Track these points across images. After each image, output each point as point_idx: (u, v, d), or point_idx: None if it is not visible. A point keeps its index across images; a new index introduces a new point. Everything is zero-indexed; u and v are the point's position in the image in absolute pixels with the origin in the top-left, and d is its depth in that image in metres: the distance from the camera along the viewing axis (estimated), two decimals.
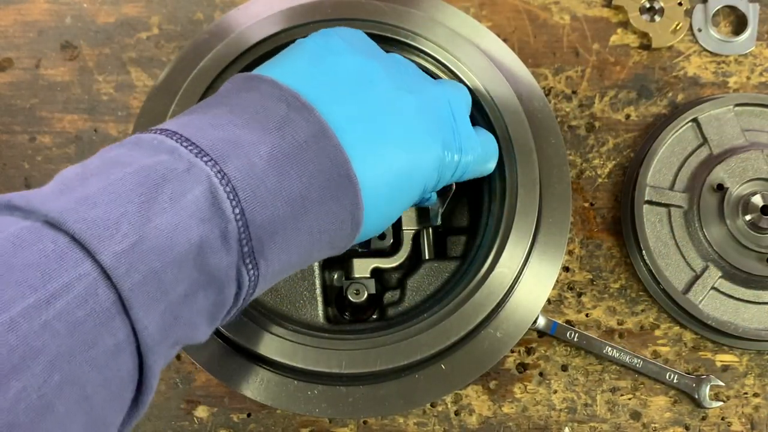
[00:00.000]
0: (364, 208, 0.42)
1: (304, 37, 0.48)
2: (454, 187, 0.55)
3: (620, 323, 0.64)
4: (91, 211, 0.33)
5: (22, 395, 0.29)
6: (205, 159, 0.36)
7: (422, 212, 0.60)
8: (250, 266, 0.38)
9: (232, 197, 0.36)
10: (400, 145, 0.45)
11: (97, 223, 0.32)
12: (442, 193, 0.55)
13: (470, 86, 0.55)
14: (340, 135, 0.41)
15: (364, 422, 0.62)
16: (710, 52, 0.68)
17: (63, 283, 0.31)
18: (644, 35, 0.68)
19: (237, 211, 0.36)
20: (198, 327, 0.37)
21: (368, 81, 0.46)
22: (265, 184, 0.38)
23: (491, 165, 0.53)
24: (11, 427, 0.28)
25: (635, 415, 0.62)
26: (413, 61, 0.56)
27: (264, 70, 0.45)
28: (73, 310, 0.31)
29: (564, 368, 0.63)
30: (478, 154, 0.50)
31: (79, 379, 0.31)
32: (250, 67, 0.55)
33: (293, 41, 0.49)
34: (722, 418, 0.63)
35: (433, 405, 0.62)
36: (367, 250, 0.60)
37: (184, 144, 0.37)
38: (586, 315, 0.64)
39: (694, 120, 0.65)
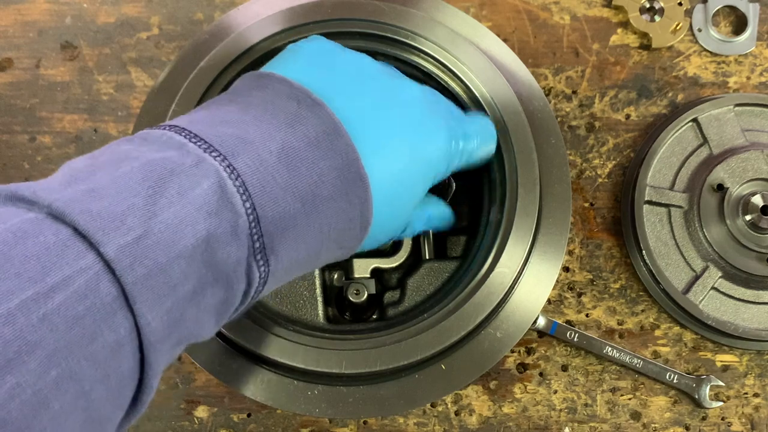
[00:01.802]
0: (374, 206, 0.42)
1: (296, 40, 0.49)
2: (454, 186, 0.55)
3: (620, 323, 0.64)
4: (96, 203, 0.32)
5: (16, 391, 0.28)
6: (213, 154, 0.36)
7: None
8: (261, 262, 0.38)
9: (242, 191, 0.36)
10: (409, 136, 0.45)
11: (101, 215, 0.32)
12: (443, 192, 0.55)
13: (471, 86, 0.55)
14: (350, 130, 0.41)
15: (364, 422, 0.62)
16: (710, 52, 0.68)
17: (63, 276, 0.30)
18: (644, 35, 0.68)
19: (248, 205, 0.36)
20: (204, 325, 0.37)
21: (369, 74, 0.46)
22: (275, 179, 0.37)
23: (493, 146, 0.53)
24: (4, 423, 0.28)
25: (635, 415, 0.62)
26: (413, 61, 0.56)
27: (270, 69, 0.45)
28: (73, 304, 0.30)
29: (564, 368, 0.63)
30: (480, 139, 0.51)
31: (77, 375, 0.30)
32: (249, 68, 0.55)
33: (293, 41, 0.49)
34: (722, 418, 0.62)
35: (433, 405, 0.62)
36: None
37: (193, 140, 0.37)
38: (586, 315, 0.64)
39: (694, 120, 0.64)
